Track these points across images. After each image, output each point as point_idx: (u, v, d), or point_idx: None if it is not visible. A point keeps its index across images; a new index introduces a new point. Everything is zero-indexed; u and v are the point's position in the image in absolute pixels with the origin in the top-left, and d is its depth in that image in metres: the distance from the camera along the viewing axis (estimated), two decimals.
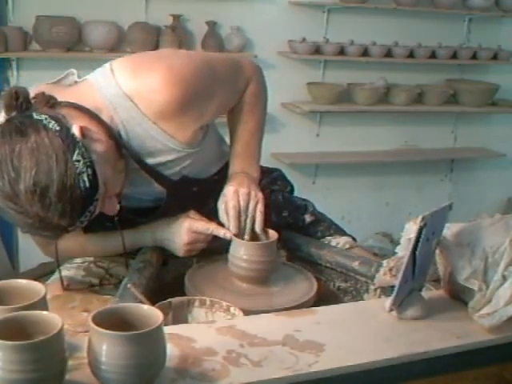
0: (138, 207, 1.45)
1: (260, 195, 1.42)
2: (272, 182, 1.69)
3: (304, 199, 1.71)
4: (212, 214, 1.46)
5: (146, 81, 1.30)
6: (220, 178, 1.51)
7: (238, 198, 1.40)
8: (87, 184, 1.14)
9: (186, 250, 1.43)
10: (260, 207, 1.41)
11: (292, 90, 3.67)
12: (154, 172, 1.38)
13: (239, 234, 1.38)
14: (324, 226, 1.67)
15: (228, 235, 1.38)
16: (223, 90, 1.44)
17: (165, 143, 1.35)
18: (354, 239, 1.66)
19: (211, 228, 1.41)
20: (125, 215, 1.38)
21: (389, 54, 3.79)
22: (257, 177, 1.50)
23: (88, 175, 1.14)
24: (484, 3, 3.88)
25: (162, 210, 1.44)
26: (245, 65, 1.53)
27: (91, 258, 1.52)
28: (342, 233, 1.67)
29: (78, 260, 1.53)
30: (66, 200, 1.12)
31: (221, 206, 1.42)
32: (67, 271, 1.48)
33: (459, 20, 4.07)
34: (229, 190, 1.42)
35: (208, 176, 1.51)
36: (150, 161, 1.36)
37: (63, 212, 1.12)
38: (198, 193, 1.48)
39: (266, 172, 1.66)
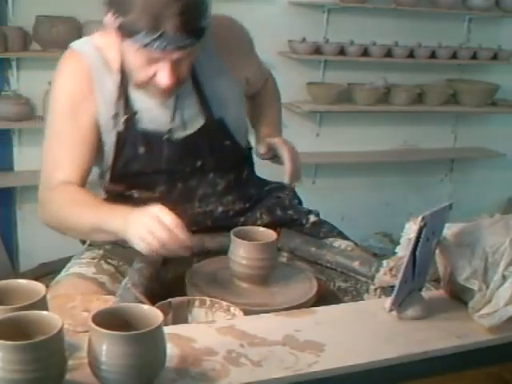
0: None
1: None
2: (280, 189, 1.73)
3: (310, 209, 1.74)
4: (194, 219, 1.52)
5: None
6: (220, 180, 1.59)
7: (288, 144, 1.60)
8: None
9: (140, 235, 1.27)
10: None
11: (292, 90, 3.67)
12: (201, 93, 1.53)
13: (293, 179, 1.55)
14: (327, 229, 1.68)
15: (187, 253, 1.30)
16: (257, 59, 1.77)
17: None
18: (356, 244, 1.66)
19: (177, 223, 1.26)
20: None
21: (389, 53, 3.79)
22: None
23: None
24: (484, 3, 3.88)
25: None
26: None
27: (101, 253, 1.51)
28: (345, 237, 1.67)
29: (88, 255, 1.52)
30: None
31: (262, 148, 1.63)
32: (78, 267, 1.48)
33: (459, 20, 4.07)
34: (276, 139, 1.62)
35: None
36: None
37: None
38: (200, 170, 1.56)
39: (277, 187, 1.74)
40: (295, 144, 1.65)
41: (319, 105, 3.72)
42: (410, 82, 3.97)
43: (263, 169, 1.76)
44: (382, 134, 4.07)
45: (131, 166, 1.53)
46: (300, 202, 1.76)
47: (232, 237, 1.37)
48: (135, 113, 1.50)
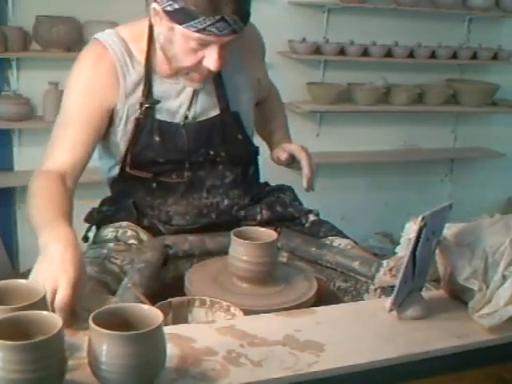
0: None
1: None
2: (281, 190, 1.77)
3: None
4: (201, 210, 1.59)
5: None
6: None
7: (306, 150, 1.67)
8: None
9: (41, 278, 1.15)
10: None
11: (292, 90, 3.66)
12: (219, 84, 1.59)
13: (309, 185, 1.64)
14: (327, 228, 1.68)
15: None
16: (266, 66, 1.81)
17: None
18: (355, 243, 1.66)
19: (64, 308, 1.13)
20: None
21: (389, 54, 3.79)
22: None
23: None
24: (484, 3, 3.88)
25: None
26: None
27: (105, 252, 1.51)
28: (344, 236, 1.68)
29: (91, 254, 1.52)
30: None
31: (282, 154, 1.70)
32: None
33: (459, 20, 4.07)
34: (294, 146, 1.69)
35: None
36: None
37: None
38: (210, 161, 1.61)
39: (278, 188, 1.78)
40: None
41: (319, 105, 3.72)
42: (410, 82, 3.97)
43: (264, 171, 1.77)
44: (382, 134, 4.07)
45: (146, 154, 1.57)
46: (300, 204, 1.77)
47: (232, 237, 1.37)
48: (157, 102, 1.55)
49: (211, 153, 1.60)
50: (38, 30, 3.14)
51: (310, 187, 1.66)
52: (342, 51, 3.71)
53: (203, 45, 1.42)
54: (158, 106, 1.56)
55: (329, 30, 3.78)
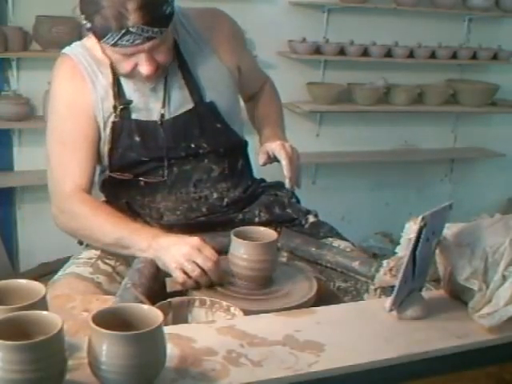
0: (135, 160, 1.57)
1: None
2: (278, 187, 1.75)
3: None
4: (190, 205, 1.61)
5: None
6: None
7: (286, 149, 1.58)
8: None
9: (179, 263, 1.34)
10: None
11: (292, 90, 3.66)
12: (189, 77, 1.59)
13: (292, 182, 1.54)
14: (326, 229, 1.68)
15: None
16: (251, 57, 1.86)
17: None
18: (354, 245, 1.67)
19: (217, 257, 1.36)
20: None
21: (389, 54, 3.79)
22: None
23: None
24: (484, 3, 3.88)
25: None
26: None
27: (98, 253, 1.52)
28: (343, 238, 1.68)
29: (85, 255, 1.53)
30: None
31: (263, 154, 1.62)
32: (76, 267, 1.49)
33: (459, 20, 4.07)
34: (275, 144, 1.60)
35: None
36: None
37: None
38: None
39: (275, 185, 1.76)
40: (295, 144, 1.66)
41: (319, 105, 3.72)
42: (409, 82, 3.97)
43: (262, 168, 1.76)
44: (382, 134, 4.06)
45: (128, 155, 1.57)
46: (298, 201, 1.76)
47: (232, 237, 1.36)
48: (130, 102, 1.56)
49: (192, 146, 1.60)
50: (38, 30, 3.13)
51: (295, 185, 1.59)
52: (341, 51, 3.71)
53: (129, 54, 1.45)
54: (132, 106, 1.57)
55: (329, 30, 3.78)
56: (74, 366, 0.94)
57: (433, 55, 3.90)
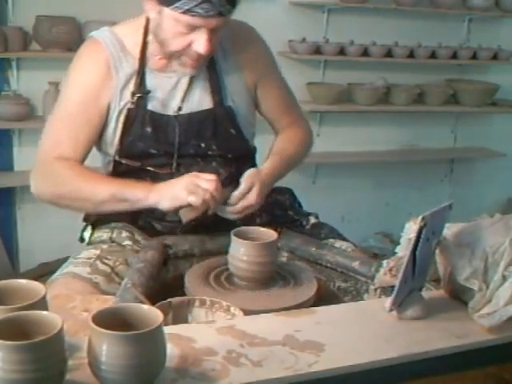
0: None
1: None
2: (280, 192, 1.75)
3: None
4: None
5: None
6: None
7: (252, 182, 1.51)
8: None
9: (188, 189, 1.39)
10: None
11: (292, 90, 3.66)
12: (215, 79, 1.60)
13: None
14: (327, 230, 1.68)
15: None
16: (280, 84, 1.88)
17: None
18: (355, 246, 1.67)
19: (216, 177, 1.43)
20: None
21: (389, 54, 3.79)
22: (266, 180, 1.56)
23: None
24: (484, 3, 3.88)
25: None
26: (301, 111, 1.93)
27: (98, 253, 1.51)
28: (344, 239, 1.68)
29: (84, 255, 1.52)
30: None
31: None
32: (74, 267, 1.48)
33: (459, 20, 4.07)
34: (247, 173, 1.52)
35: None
36: None
37: None
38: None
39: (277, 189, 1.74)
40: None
41: (319, 105, 3.72)
42: (410, 82, 3.97)
43: None
44: (382, 133, 4.07)
45: (138, 145, 1.58)
46: (300, 206, 1.76)
47: (232, 237, 1.37)
48: (148, 92, 1.57)
49: (202, 145, 1.61)
50: (38, 30, 3.13)
51: (234, 215, 1.50)
52: (341, 51, 3.71)
53: (191, 29, 1.44)
54: (150, 97, 1.58)
55: (329, 30, 3.78)
56: (73, 366, 0.94)
57: (433, 55, 3.90)
